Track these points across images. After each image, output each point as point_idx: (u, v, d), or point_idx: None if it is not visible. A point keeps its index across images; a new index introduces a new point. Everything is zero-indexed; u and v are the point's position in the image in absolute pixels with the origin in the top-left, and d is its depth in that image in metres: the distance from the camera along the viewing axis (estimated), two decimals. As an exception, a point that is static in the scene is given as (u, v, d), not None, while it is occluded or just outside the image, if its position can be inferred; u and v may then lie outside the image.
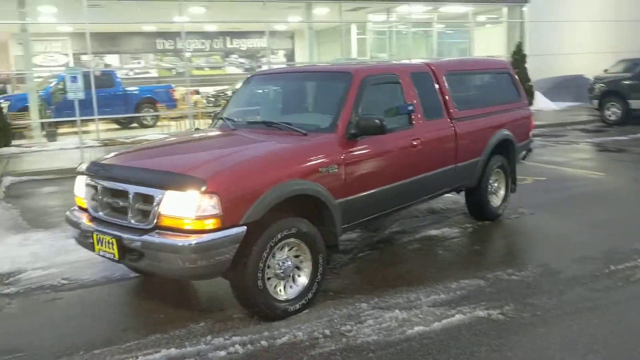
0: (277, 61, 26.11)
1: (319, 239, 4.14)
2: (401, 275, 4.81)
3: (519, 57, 19.42)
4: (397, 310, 4.05)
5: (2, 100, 15.39)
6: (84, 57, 20.39)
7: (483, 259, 5.22)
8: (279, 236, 3.88)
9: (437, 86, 5.49)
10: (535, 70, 19.71)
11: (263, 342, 3.67)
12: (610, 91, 15.62)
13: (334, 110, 4.54)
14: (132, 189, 3.84)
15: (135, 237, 3.71)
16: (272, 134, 4.57)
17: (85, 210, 4.30)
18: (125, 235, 3.77)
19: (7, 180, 10.03)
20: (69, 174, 4.62)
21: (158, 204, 3.66)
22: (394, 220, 6.44)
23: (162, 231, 3.67)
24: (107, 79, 18.34)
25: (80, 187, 4.33)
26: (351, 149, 4.41)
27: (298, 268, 4.12)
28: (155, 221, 3.68)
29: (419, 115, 5.12)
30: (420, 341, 3.63)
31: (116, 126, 19.04)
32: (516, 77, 6.87)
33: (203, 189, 3.55)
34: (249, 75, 5.81)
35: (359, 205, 4.53)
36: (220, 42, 25.62)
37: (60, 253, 5.63)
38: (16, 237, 6.30)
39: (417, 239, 5.79)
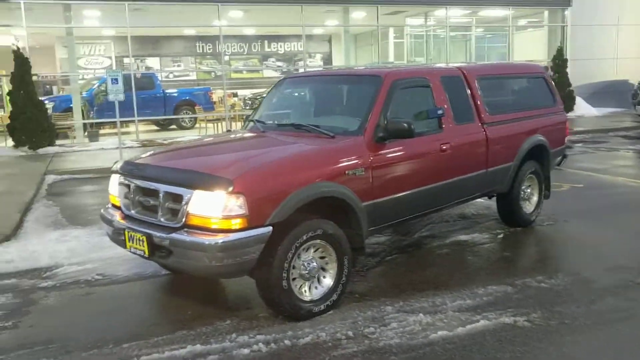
0: (314, 64, 26.25)
1: (345, 241, 4.17)
2: (428, 279, 4.79)
3: (560, 61, 19.07)
4: (421, 314, 4.05)
5: (47, 102, 15.93)
6: (126, 60, 20.95)
7: (512, 265, 5.15)
8: (305, 237, 3.92)
9: (468, 90, 5.45)
10: (577, 75, 19.32)
11: (286, 342, 3.71)
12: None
13: (363, 113, 4.56)
14: (162, 188, 3.94)
15: (164, 235, 3.81)
16: (301, 136, 4.62)
17: (118, 208, 4.43)
18: (154, 233, 3.88)
19: (50, 178, 10.38)
20: (108, 173, 4.76)
21: (187, 203, 3.75)
22: (424, 224, 6.41)
23: (190, 230, 3.76)
24: (147, 81, 18.79)
25: (114, 186, 4.46)
26: (379, 152, 4.43)
27: (323, 269, 4.15)
28: (183, 220, 3.77)
29: (449, 119, 5.10)
30: (443, 346, 3.62)
31: (155, 127, 19.48)
32: (552, 82, 6.75)
33: (230, 189, 3.62)
34: (279, 79, 5.89)
35: (386, 209, 4.53)
36: (258, 46, 25.92)
37: (96, 249, 5.81)
38: (55, 233, 6.52)
39: (446, 244, 5.75)
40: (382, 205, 4.47)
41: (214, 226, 3.67)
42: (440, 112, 4.91)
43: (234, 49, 25.38)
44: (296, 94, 5.71)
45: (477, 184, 5.47)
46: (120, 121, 13.18)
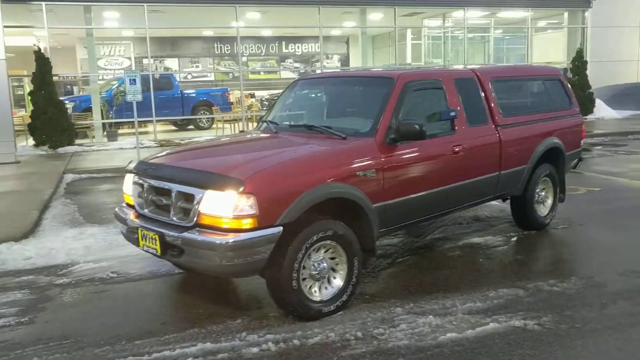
0: (332, 66, 26.29)
1: (355, 242, 4.19)
2: (439, 281, 4.79)
3: (579, 63, 18.90)
4: (431, 316, 4.05)
5: (67, 102, 16.17)
6: (145, 61, 21.18)
7: (525, 268, 5.12)
8: (315, 238, 3.94)
9: (482, 92, 5.43)
10: (597, 77, 19.13)
11: (295, 341, 3.74)
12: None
13: (375, 114, 4.57)
14: (174, 187, 4.00)
15: (176, 234, 3.86)
16: (312, 137, 4.65)
17: (132, 207, 4.50)
18: (167, 232, 3.93)
19: (69, 177, 10.56)
20: (125, 173, 4.84)
21: (198, 203, 3.80)
22: (437, 226, 6.40)
23: (201, 229, 3.81)
24: (166, 81, 18.99)
25: (128, 185, 4.53)
26: (390, 154, 4.44)
27: (333, 270, 4.17)
28: (195, 219, 3.82)
29: (462, 121, 5.09)
30: (452, 348, 3.62)
31: (173, 128, 19.66)
32: (568, 84, 6.70)
33: (241, 189, 3.66)
34: (293, 80, 5.93)
35: (397, 211, 4.54)
36: (275, 47, 26.03)
37: (112, 247, 5.90)
38: (72, 231, 6.63)
39: (459, 246, 5.74)
40: (393, 207, 4.48)
41: (225, 226, 3.71)
42: (452, 114, 4.90)
43: (252, 50, 25.53)
44: (309, 95, 5.74)
45: (489, 186, 5.45)
46: (139, 121, 13.34)
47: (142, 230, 4.15)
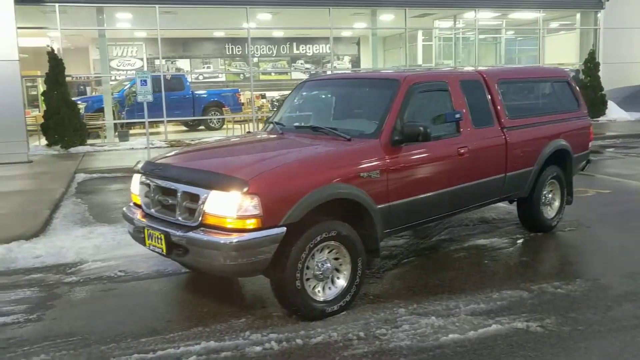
0: (342, 67, 26.33)
1: (359, 242, 4.21)
2: (443, 282, 4.80)
3: (591, 65, 18.79)
4: (433, 317, 4.06)
5: (79, 102, 16.35)
6: (157, 62, 21.32)
7: (529, 270, 5.11)
8: (319, 238, 3.97)
9: (488, 94, 5.44)
10: (609, 78, 19.00)
11: (298, 341, 3.77)
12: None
13: (380, 116, 4.60)
14: (180, 187, 4.05)
15: (181, 234, 3.91)
16: (318, 138, 4.68)
17: (139, 206, 4.56)
18: (172, 231, 3.98)
19: (80, 177, 10.68)
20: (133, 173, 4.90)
21: (203, 203, 3.84)
22: (443, 227, 6.41)
23: (206, 229, 3.85)
24: (177, 82, 19.13)
25: (136, 185, 4.59)
26: (395, 155, 4.46)
27: (337, 270, 4.20)
28: (200, 219, 3.87)
29: (467, 123, 5.10)
30: (453, 349, 3.64)
31: (184, 128, 19.80)
32: (576, 86, 6.67)
33: (245, 189, 3.70)
34: (299, 82, 5.97)
35: (401, 212, 4.56)
36: (286, 48, 26.10)
37: (120, 247, 5.97)
38: (82, 230, 6.72)
39: (465, 248, 5.75)
40: (397, 208, 4.50)
41: (229, 226, 3.75)
42: (457, 116, 4.91)
43: (263, 51, 25.62)
44: (316, 97, 5.77)
45: (495, 188, 5.45)
46: (150, 122, 13.46)
47: (148, 230, 4.21)
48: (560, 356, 3.52)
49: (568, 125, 6.30)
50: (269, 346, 3.71)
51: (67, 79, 14.78)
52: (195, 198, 3.93)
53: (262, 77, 25.70)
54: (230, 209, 3.73)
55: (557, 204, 6.30)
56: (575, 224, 6.50)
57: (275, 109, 19.51)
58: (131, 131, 17.31)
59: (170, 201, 4.15)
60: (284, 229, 3.81)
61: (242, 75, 25.16)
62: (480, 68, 5.84)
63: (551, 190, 6.21)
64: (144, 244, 4.34)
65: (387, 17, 20.28)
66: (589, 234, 6.29)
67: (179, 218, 4.03)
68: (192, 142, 14.13)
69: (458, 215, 6.17)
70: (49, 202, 7.92)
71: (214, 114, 19.38)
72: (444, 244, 5.92)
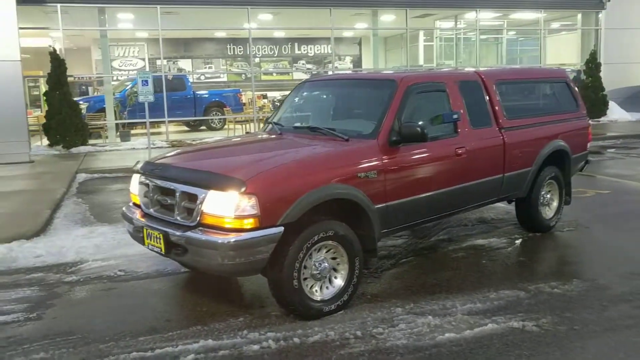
0: (344, 67, 26.37)
1: (356, 242, 4.24)
2: (441, 282, 4.83)
3: (593, 65, 18.81)
4: (430, 317, 4.09)
5: (81, 102, 16.40)
6: (158, 62, 21.38)
7: (527, 270, 5.14)
8: (316, 238, 4.00)
9: (486, 95, 5.46)
10: (611, 79, 19.01)
11: (295, 339, 3.80)
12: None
13: (377, 117, 4.63)
14: (179, 187, 4.08)
15: (180, 233, 3.94)
16: (316, 138, 4.71)
17: (138, 206, 4.59)
18: (171, 231, 4.01)
19: (81, 176, 10.73)
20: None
21: (201, 203, 3.88)
22: (442, 228, 6.44)
23: (204, 228, 3.89)
24: (179, 82, 19.17)
25: (135, 185, 4.63)
26: (392, 156, 4.49)
27: (335, 270, 4.22)
28: (198, 219, 3.90)
29: (465, 124, 5.12)
30: (449, 348, 3.66)
31: (186, 128, 19.84)
32: (574, 87, 6.69)
33: (242, 189, 3.73)
34: (298, 82, 6.00)
35: (399, 212, 4.59)
36: (288, 48, 26.15)
37: (120, 246, 6.01)
38: (83, 229, 6.76)
39: (463, 248, 5.77)
40: (394, 208, 4.53)
41: (227, 225, 3.78)
42: (455, 116, 4.93)
43: (264, 51, 25.66)
44: (315, 97, 5.80)
45: (493, 188, 5.48)
46: (151, 122, 13.50)
47: (147, 229, 4.24)
48: (556, 355, 3.54)
49: (566, 125, 6.32)
50: (266, 345, 3.74)
51: (69, 79, 14.84)
52: (193, 198, 3.96)
53: (263, 77, 25.74)
54: (228, 208, 3.76)
55: (555, 204, 6.32)
56: (573, 224, 6.52)
57: (275, 110, 19.63)
58: (133, 131, 17.36)
59: (169, 201, 4.18)
60: (282, 228, 3.84)
61: (243, 75, 25.21)
62: (480, 69, 5.86)
63: (549, 191, 6.23)
64: (143, 244, 4.37)
65: (388, 17, 20.31)
66: (587, 234, 6.30)
67: (178, 218, 4.07)
68: (193, 143, 14.17)
69: (457, 215, 6.20)
70: (50, 202, 7.96)
71: (216, 114, 19.42)
72: (443, 244, 5.95)
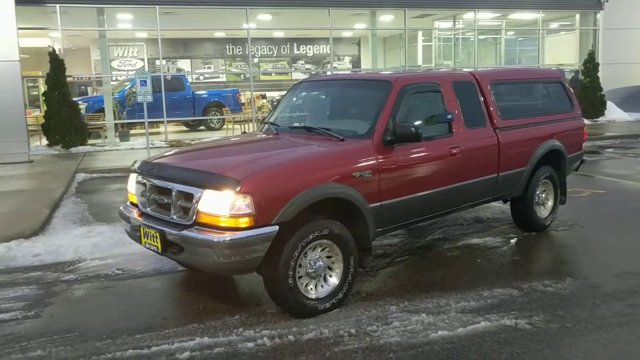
0: (343, 67, 26.41)
1: (351, 241, 4.28)
2: (435, 281, 4.87)
3: (591, 65, 18.85)
4: (424, 314, 4.14)
5: (80, 102, 16.44)
6: (157, 62, 21.42)
7: (521, 269, 5.18)
8: (311, 237, 4.05)
9: (480, 95, 5.51)
10: (609, 79, 19.06)
11: (290, 337, 3.84)
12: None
13: (372, 117, 4.67)
14: (175, 186, 4.13)
15: (176, 232, 3.99)
16: (311, 138, 4.76)
17: (135, 205, 4.64)
18: (167, 230, 4.06)
19: (80, 176, 10.77)
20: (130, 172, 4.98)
21: (197, 202, 3.92)
22: (438, 227, 6.48)
23: (200, 227, 3.93)
24: (178, 83, 19.22)
25: (132, 184, 4.68)
26: (387, 156, 4.53)
27: (330, 268, 4.27)
28: (194, 218, 3.95)
29: (459, 124, 5.17)
30: (442, 345, 3.71)
31: (185, 128, 19.88)
32: (569, 87, 6.74)
33: (238, 189, 3.78)
34: (295, 83, 6.04)
35: (394, 211, 4.63)
36: (287, 48, 26.18)
37: (118, 245, 6.05)
38: (81, 229, 6.80)
39: (458, 247, 5.82)
40: (389, 207, 4.57)
41: (222, 224, 3.83)
42: (449, 116, 4.98)
43: (263, 51, 25.70)
44: (311, 97, 5.85)
45: (488, 188, 5.52)
46: (150, 122, 13.54)
47: (144, 228, 4.29)
48: (546, 352, 3.59)
49: (561, 125, 6.37)
50: (261, 342, 3.78)
51: (68, 79, 14.88)
52: (189, 197, 4.01)
53: (262, 77, 25.79)
54: (223, 207, 3.80)
55: (550, 203, 6.36)
56: (568, 224, 6.57)
57: (272, 110, 19.65)
58: (132, 131, 17.40)
59: (165, 200, 4.23)
60: (277, 227, 3.88)
61: (242, 75, 25.25)
62: (479, 69, 5.91)
63: (544, 190, 6.28)
64: (140, 242, 4.42)
65: (386, 17, 20.35)
66: (582, 234, 6.35)
67: (174, 217, 4.11)
68: (192, 142, 14.21)
69: (452, 214, 6.26)
70: (49, 201, 8.00)
71: (215, 114, 19.46)
72: (438, 243, 5.99)
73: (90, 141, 15.15)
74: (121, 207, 4.87)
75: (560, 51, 22.32)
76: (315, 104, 5.77)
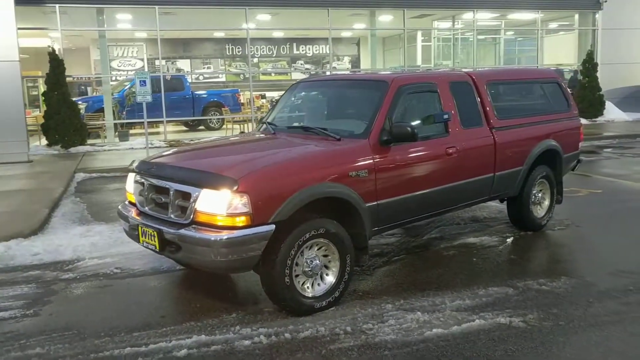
0: (342, 67, 26.45)
1: (347, 240, 4.32)
2: (431, 279, 4.91)
3: (590, 65, 18.90)
4: (419, 313, 4.17)
5: (80, 102, 16.48)
6: (157, 62, 21.46)
7: (517, 268, 5.22)
8: (307, 235, 4.08)
9: (477, 95, 5.55)
10: (607, 79, 19.10)
11: (287, 335, 3.88)
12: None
13: (369, 117, 4.71)
14: (173, 186, 4.16)
15: (174, 231, 4.03)
16: (308, 138, 4.80)
17: (134, 205, 4.67)
18: (165, 229, 4.10)
19: (79, 176, 10.81)
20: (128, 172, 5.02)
21: (194, 201, 3.96)
22: (435, 226, 6.52)
23: (197, 226, 3.97)
24: (177, 83, 19.25)
25: (130, 184, 4.71)
26: (383, 155, 4.57)
27: (326, 267, 4.30)
28: (191, 216, 3.98)
29: (456, 124, 5.20)
30: (437, 343, 3.74)
31: (184, 128, 19.92)
32: (566, 87, 6.78)
33: (235, 188, 3.81)
34: (292, 83, 6.08)
35: (390, 210, 4.67)
36: (286, 48, 26.21)
37: (117, 244, 6.09)
38: (80, 228, 6.84)
39: (454, 246, 5.85)
40: (385, 206, 4.61)
41: (219, 223, 3.86)
42: (445, 116, 5.01)
43: (263, 51, 25.73)
44: (309, 97, 5.89)
45: (484, 187, 5.56)
46: (150, 122, 13.57)
47: (142, 227, 4.33)
48: (539, 349, 3.63)
49: (558, 125, 6.40)
50: (257, 340, 3.82)
51: (68, 79, 14.91)
52: (187, 196, 4.04)
53: (262, 77, 25.82)
54: (220, 206, 3.84)
55: (546, 203, 6.40)
56: (565, 223, 6.61)
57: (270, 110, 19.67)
58: (131, 131, 17.44)
59: (163, 199, 4.26)
60: (273, 226, 3.91)
61: (242, 75, 25.28)
62: (478, 69, 5.95)
63: (541, 190, 6.31)
64: (138, 241, 4.45)
65: (385, 17, 20.38)
66: (578, 233, 6.39)
67: (172, 216, 4.15)
68: (191, 142, 14.25)
69: (449, 214, 6.30)
70: (48, 201, 8.04)
71: (214, 114, 19.49)
72: (435, 242, 6.03)
73: (89, 141, 15.19)
74: (120, 207, 4.91)
75: (559, 51, 22.37)
76: (312, 104, 5.81)
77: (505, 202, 6.38)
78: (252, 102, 18.30)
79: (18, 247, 5.95)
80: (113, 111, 16.52)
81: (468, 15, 20.30)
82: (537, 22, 20.40)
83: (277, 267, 3.97)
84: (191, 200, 3.98)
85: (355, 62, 27.06)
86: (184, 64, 25.05)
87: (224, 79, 25.39)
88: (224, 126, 18.95)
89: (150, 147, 12.78)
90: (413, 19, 19.95)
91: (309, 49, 26.49)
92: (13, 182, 9.90)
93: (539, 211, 6.33)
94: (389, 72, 6.09)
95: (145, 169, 4.60)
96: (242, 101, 20.63)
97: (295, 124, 5.41)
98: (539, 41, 20.95)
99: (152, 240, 4.22)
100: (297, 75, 24.89)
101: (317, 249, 4.24)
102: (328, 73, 21.04)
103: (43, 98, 15.19)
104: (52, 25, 15.43)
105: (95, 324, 4.16)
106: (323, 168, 4.25)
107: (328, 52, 22.47)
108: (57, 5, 14.72)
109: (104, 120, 16.48)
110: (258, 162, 4.23)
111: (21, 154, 12.69)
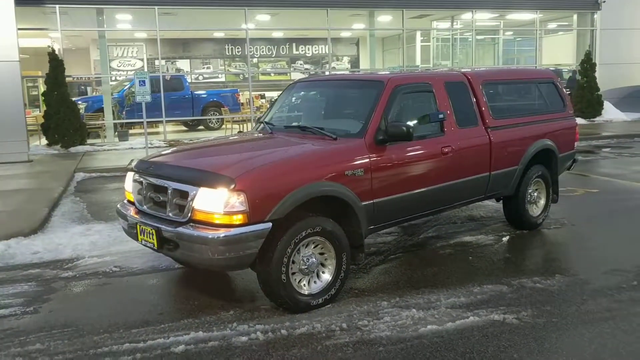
0: (342, 67, 26.50)
1: (344, 238, 4.37)
2: (427, 277, 4.96)
3: (588, 65, 18.95)
4: (414, 310, 4.23)
5: (79, 102, 16.53)
6: (157, 62, 21.51)
7: (512, 266, 5.27)
8: (304, 234, 4.14)
9: (472, 95, 5.60)
10: (606, 79, 19.16)
11: (283, 331, 3.93)
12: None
13: (365, 116, 4.76)
14: (171, 185, 4.22)
15: (171, 229, 4.08)
16: (305, 137, 4.85)
17: (132, 203, 4.73)
18: (163, 227, 4.15)
19: (79, 176, 10.86)
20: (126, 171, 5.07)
21: (192, 200, 4.01)
22: (431, 225, 6.57)
23: (195, 224, 4.02)
24: (177, 83, 19.31)
25: (129, 183, 4.77)
26: (379, 154, 4.62)
27: (322, 265, 4.36)
28: (189, 215, 4.04)
29: (451, 123, 5.26)
30: (431, 339, 3.80)
31: (184, 128, 19.97)
32: (562, 87, 6.83)
33: (232, 186, 3.87)
34: (290, 83, 6.13)
35: (386, 209, 4.72)
36: (286, 48, 26.27)
37: (116, 243, 6.14)
38: (80, 227, 6.89)
39: (451, 245, 5.90)
40: (381, 205, 4.66)
41: (216, 221, 3.92)
42: (441, 116, 5.06)
43: (262, 51, 25.79)
44: (306, 97, 5.94)
45: (479, 186, 5.61)
46: (149, 121, 13.63)
47: (140, 226, 4.38)
48: (532, 345, 3.68)
49: (554, 125, 6.46)
50: (254, 336, 3.87)
51: (68, 79, 14.96)
52: (184, 195, 4.09)
53: (261, 77, 25.87)
54: (217, 205, 3.89)
55: (542, 202, 6.45)
56: (561, 222, 6.66)
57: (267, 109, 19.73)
58: (131, 131, 17.50)
59: (161, 198, 4.32)
60: (270, 224, 3.97)
61: (241, 75, 25.33)
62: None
63: (536, 189, 6.36)
64: (137, 240, 4.51)
65: (384, 18, 20.43)
66: (573, 232, 6.44)
67: (170, 214, 4.20)
68: (190, 142, 14.30)
69: (445, 212, 6.36)
70: (48, 200, 8.09)
71: (213, 114, 19.55)
72: (431, 240, 6.08)
73: (89, 141, 15.25)
74: (118, 205, 4.96)
75: (558, 51, 22.42)
76: (309, 104, 5.86)
77: (500, 201, 6.43)
78: (252, 102, 18.36)
79: (18, 246, 6.00)
80: (113, 111, 16.57)
81: (467, 16, 20.35)
82: (536, 22, 20.45)
83: (273, 265, 4.03)
84: (189, 198, 4.04)
85: (355, 63, 27.11)
86: (183, 64, 25.11)
87: (223, 79, 25.45)
88: (224, 126, 19.00)
89: (149, 147, 12.83)
90: (412, 19, 20.01)
91: (308, 49, 26.55)
92: (13, 181, 9.95)
93: (535, 210, 6.38)
94: (385, 72, 6.14)
95: (144, 168, 4.66)
96: (241, 101, 20.69)
97: (293, 124, 5.46)
98: (537, 41, 21.01)
99: (150, 238, 4.28)
100: (297, 76, 24.92)
101: (314, 247, 4.29)
102: (327, 73, 21.09)
103: (43, 98, 15.25)
104: (52, 25, 15.48)
105: (94, 320, 4.22)
106: (319, 167, 4.31)
107: (327, 52, 22.52)
108: (57, 6, 14.77)
109: (103, 120, 16.54)
110: (255, 161, 4.28)
111: (21, 154, 12.75)
